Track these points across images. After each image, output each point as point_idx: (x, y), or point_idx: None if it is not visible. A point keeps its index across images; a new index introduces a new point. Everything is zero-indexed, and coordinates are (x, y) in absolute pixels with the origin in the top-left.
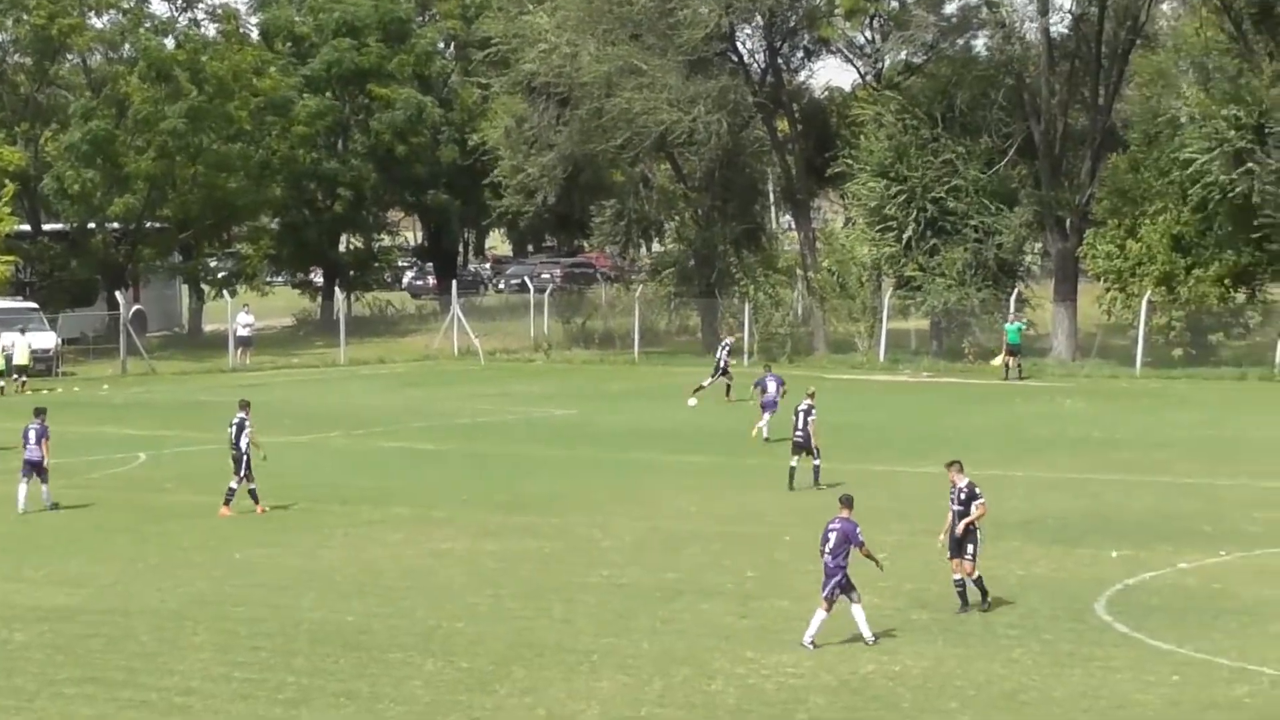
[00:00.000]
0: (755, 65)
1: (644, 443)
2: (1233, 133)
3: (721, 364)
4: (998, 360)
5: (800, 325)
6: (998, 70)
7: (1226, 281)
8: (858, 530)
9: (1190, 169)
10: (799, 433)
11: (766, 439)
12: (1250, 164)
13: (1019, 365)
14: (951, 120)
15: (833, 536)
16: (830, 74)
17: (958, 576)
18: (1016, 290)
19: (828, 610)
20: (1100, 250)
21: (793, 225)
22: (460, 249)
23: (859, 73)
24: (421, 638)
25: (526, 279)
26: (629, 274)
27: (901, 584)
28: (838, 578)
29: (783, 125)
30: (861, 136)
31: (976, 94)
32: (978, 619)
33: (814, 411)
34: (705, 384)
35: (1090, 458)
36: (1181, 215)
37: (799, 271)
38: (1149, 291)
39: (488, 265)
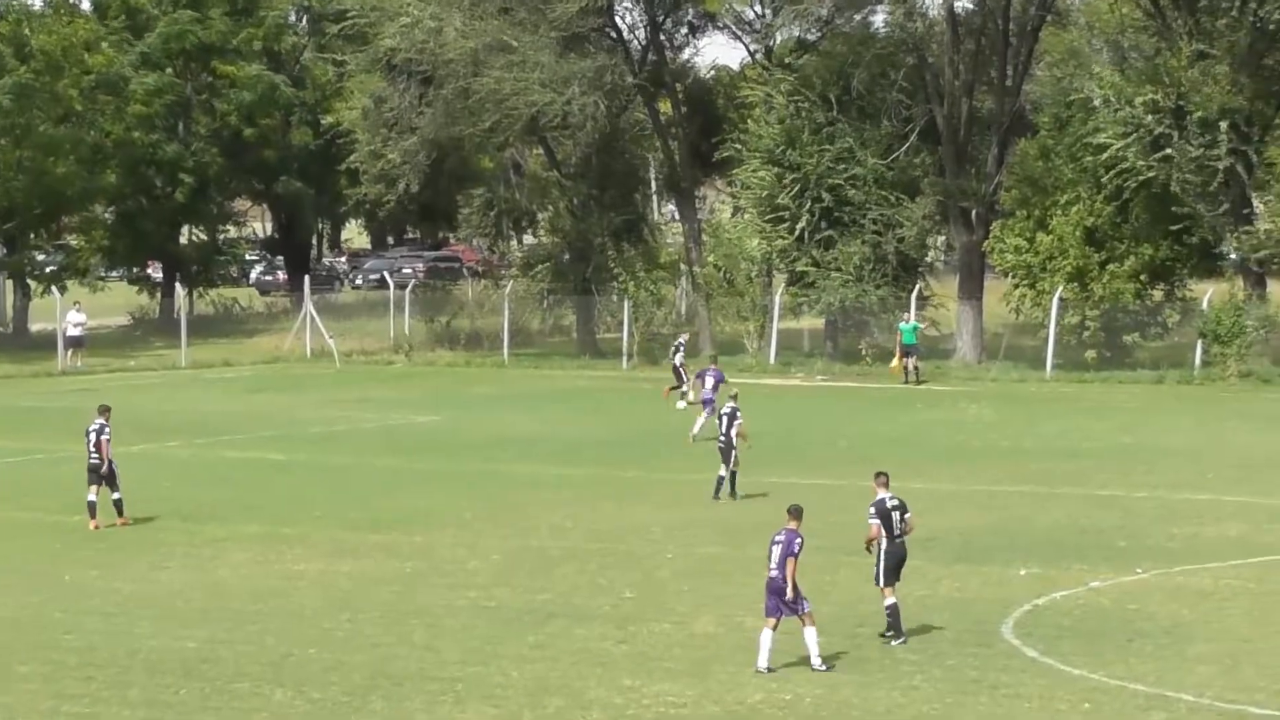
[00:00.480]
0: (635, 42)
1: (515, 453)
2: (1150, 117)
3: (678, 365)
4: (895, 363)
5: (684, 325)
6: (898, 49)
7: (1143, 277)
8: (796, 542)
9: (1104, 155)
10: (723, 438)
11: (694, 436)
12: (1168, 150)
13: (916, 368)
14: (848, 103)
15: (776, 550)
16: (717, 52)
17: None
18: (918, 287)
19: (808, 623)
20: (1008, 244)
21: (676, 216)
22: (314, 241)
23: (748, 51)
24: (271, 666)
25: (386, 274)
26: (498, 269)
27: None
28: (788, 591)
29: (665, 107)
30: (750, 120)
31: (875, 74)
32: (877, 644)
33: (739, 415)
34: (685, 390)
35: (996, 468)
36: (1095, 206)
37: (683, 266)
38: (1060, 288)
39: (344, 259)
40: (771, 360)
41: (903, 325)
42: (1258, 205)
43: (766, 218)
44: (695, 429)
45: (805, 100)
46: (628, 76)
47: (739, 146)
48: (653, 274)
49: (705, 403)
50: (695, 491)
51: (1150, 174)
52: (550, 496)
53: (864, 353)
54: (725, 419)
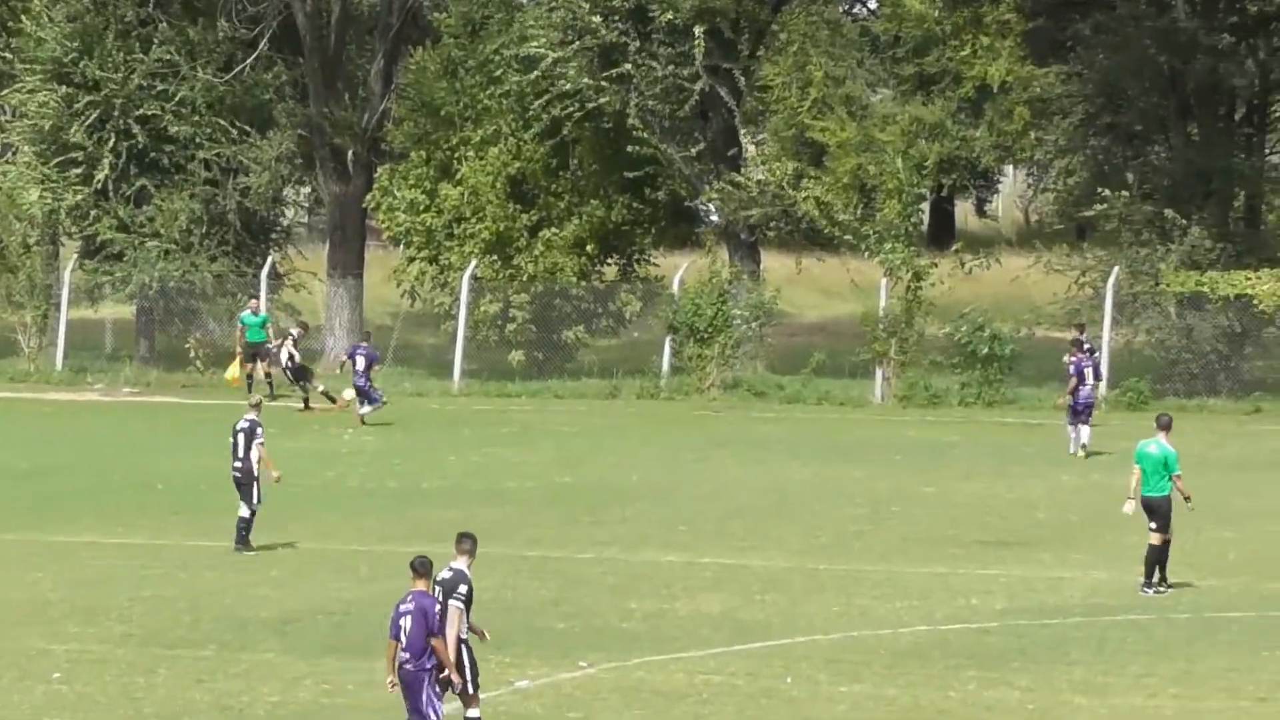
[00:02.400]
0: None
1: None
2: (598, 19)
3: (285, 362)
4: (233, 370)
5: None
6: None
7: (590, 248)
8: (434, 612)
9: (534, 73)
10: (239, 463)
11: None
12: (625, 66)
13: (268, 375)
14: None
15: (406, 624)
16: None
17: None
18: (271, 260)
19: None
20: (400, 199)
21: None
22: None
23: None
24: None
25: None
26: None
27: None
28: (424, 686)
29: None
30: (27, 18)
31: None
32: None
33: (260, 431)
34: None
35: (383, 518)
36: (523, 146)
37: None
38: (473, 263)
39: None
40: (58, 365)
41: (246, 316)
42: (748, 146)
43: (51, 161)
44: (363, 410)
45: None
46: None
47: (8, 55)
48: None
49: (360, 391)
50: None
51: (600, 100)
52: None
53: (194, 354)
54: (241, 436)
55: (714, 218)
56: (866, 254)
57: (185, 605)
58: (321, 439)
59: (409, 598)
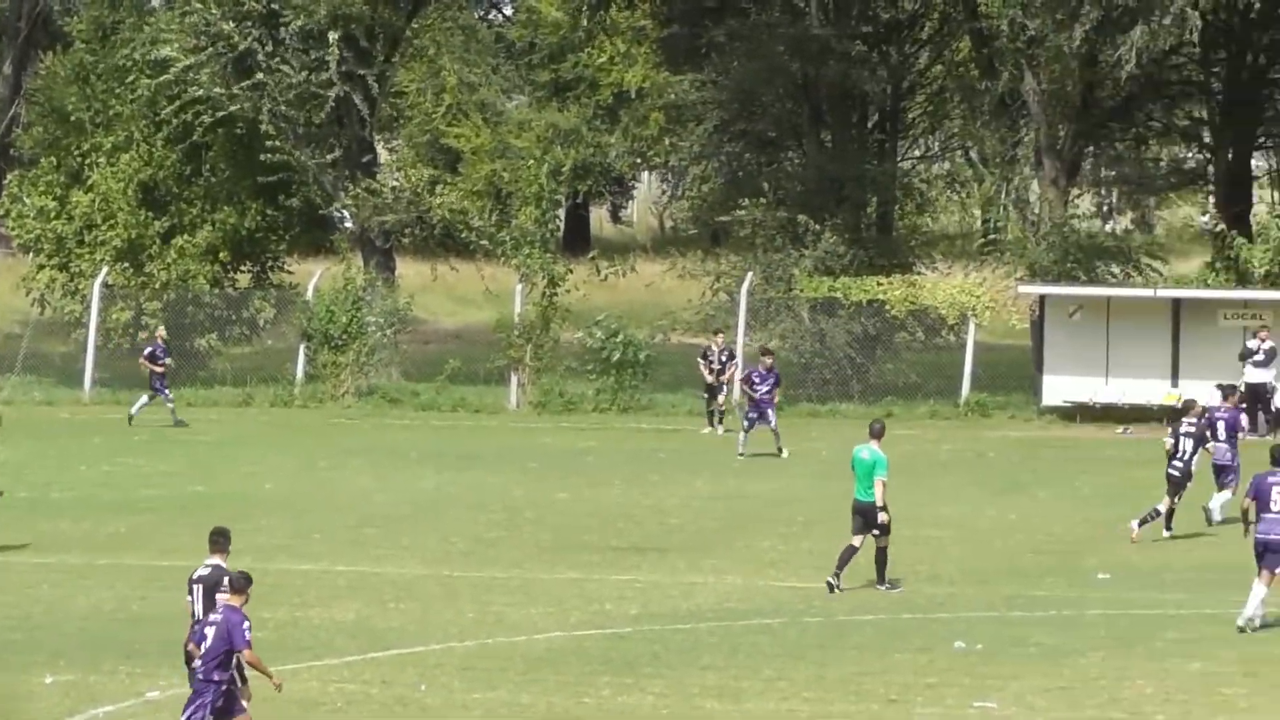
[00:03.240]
0: None
1: None
2: (230, 25)
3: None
4: None
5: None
6: None
7: (224, 255)
8: (245, 627)
9: (166, 76)
10: None
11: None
12: (259, 75)
13: None
14: None
15: (210, 634)
16: None
17: None
18: None
19: None
20: (30, 205)
21: None
22: None
23: None
24: None
25: None
26: None
27: None
28: (208, 697)
29: None
30: None
31: None
32: None
33: None
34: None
35: (13, 530)
36: (155, 152)
37: None
38: (105, 270)
39: None
40: None
41: None
42: (383, 152)
43: None
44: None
45: None
46: None
47: None
48: None
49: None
50: None
51: (233, 106)
52: None
53: None
54: None
55: (349, 224)
56: (502, 260)
57: None
58: None
59: (219, 609)
